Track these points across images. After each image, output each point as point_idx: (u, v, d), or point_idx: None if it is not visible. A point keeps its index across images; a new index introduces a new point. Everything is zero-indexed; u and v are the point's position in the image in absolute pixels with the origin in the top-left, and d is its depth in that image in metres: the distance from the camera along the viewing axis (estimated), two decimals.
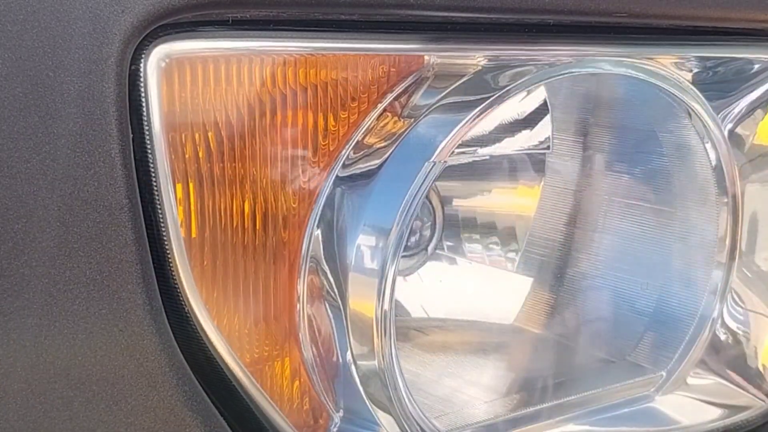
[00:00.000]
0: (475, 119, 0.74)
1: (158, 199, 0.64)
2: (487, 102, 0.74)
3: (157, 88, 0.63)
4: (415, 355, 0.95)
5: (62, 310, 0.61)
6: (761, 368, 0.98)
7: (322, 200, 0.74)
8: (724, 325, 0.96)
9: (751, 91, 0.93)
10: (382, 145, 0.74)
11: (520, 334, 1.01)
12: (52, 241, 0.60)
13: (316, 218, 0.74)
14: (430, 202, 1.00)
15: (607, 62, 0.83)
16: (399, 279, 0.98)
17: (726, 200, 0.91)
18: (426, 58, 0.75)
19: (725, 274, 0.92)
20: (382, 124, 0.75)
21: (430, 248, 1.01)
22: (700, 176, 0.91)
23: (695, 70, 0.90)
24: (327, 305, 0.75)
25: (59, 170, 0.60)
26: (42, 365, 0.62)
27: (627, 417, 0.92)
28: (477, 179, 1.02)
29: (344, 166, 0.74)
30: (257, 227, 0.71)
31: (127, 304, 0.63)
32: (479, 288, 1.03)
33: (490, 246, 1.03)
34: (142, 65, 0.62)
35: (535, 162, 1.01)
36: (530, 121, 0.85)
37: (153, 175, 0.64)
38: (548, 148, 0.87)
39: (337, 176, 0.74)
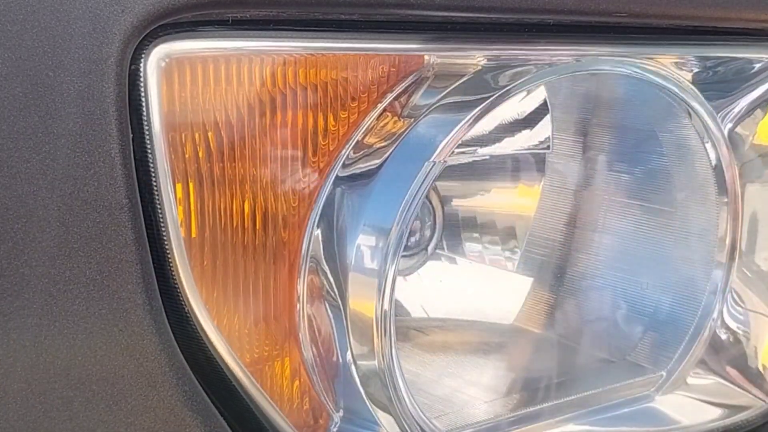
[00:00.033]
0: (475, 119, 0.74)
1: (158, 199, 0.64)
2: (487, 102, 0.74)
3: (157, 88, 0.63)
4: (415, 355, 0.95)
5: (62, 310, 0.61)
6: (761, 368, 0.98)
7: (322, 200, 0.74)
8: (724, 325, 0.96)
9: (751, 91, 0.93)
10: (382, 145, 0.74)
11: (520, 334, 1.01)
12: (52, 241, 0.60)
13: (316, 218, 0.74)
14: (430, 202, 1.00)
15: (607, 62, 0.83)
16: (399, 279, 0.98)
17: (726, 200, 0.91)
18: (426, 58, 0.75)
19: (725, 274, 0.92)
20: (382, 124, 0.75)
21: (430, 248, 1.01)
22: (700, 176, 0.91)
23: (695, 70, 0.90)
24: (327, 305, 0.75)
25: (59, 170, 0.60)
26: (42, 365, 0.62)
27: (627, 417, 0.92)
28: (477, 179, 1.02)
29: (344, 166, 0.74)
30: (257, 227, 0.71)
31: (127, 304, 0.63)
32: (479, 288, 1.03)
33: (490, 246, 1.03)
34: (142, 65, 0.62)
35: (535, 162, 1.01)
36: (530, 121, 0.85)
37: (153, 174, 0.64)
38: (548, 147, 0.87)
39: (337, 176, 0.74)
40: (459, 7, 0.72)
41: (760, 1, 0.87)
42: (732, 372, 0.97)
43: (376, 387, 0.75)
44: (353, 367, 0.75)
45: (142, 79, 0.62)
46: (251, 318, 0.72)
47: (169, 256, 0.66)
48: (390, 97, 0.75)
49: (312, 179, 0.73)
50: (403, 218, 0.72)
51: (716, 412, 0.95)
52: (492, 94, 0.74)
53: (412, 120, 0.74)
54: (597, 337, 0.99)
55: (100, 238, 0.61)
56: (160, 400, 0.66)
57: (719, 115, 0.91)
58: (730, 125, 0.93)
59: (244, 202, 0.69)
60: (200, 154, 0.66)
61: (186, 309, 0.67)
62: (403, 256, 0.98)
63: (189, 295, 0.67)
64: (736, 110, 0.93)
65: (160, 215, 0.65)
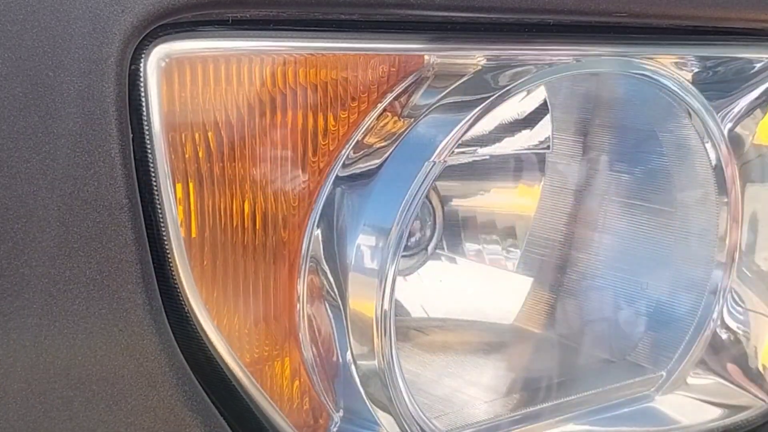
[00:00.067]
0: (475, 119, 0.74)
1: (158, 199, 0.64)
2: (487, 102, 0.74)
3: (157, 88, 0.63)
4: (415, 355, 0.95)
5: (62, 310, 0.61)
6: (761, 368, 0.98)
7: (322, 200, 0.74)
8: (724, 325, 0.96)
9: (751, 91, 0.93)
10: (382, 144, 0.74)
11: (520, 334, 1.01)
12: (52, 241, 0.60)
13: (316, 218, 0.74)
14: (430, 202, 1.00)
15: (607, 62, 0.83)
16: (399, 279, 0.98)
17: (726, 200, 0.91)
18: (426, 58, 0.75)
19: (725, 274, 0.92)
20: (382, 124, 0.75)
21: (430, 248, 1.01)
22: (700, 176, 0.91)
23: (695, 70, 0.90)
24: (327, 305, 0.75)
25: (59, 170, 0.60)
26: (42, 365, 0.62)
27: (627, 417, 0.92)
28: (477, 179, 1.02)
29: (344, 166, 0.74)
30: (257, 227, 0.71)
31: (127, 304, 0.63)
32: (479, 288, 1.03)
33: (490, 246, 1.03)
34: (142, 65, 0.62)
35: (535, 162, 1.01)
36: (530, 121, 0.85)
37: (153, 174, 0.64)
38: (548, 147, 0.87)
39: (337, 176, 0.74)
40: (459, 7, 0.72)
41: (760, 1, 0.87)
42: (732, 372, 0.97)
43: (376, 387, 0.75)
44: (353, 367, 0.75)
45: (142, 79, 0.62)
46: (251, 318, 0.72)
47: (169, 256, 0.66)
48: (390, 97, 0.75)
49: (312, 179, 0.73)
50: (403, 218, 0.72)
51: (716, 412, 0.95)
52: (492, 94, 0.74)
53: (412, 120, 0.74)
54: (597, 337, 0.99)
55: (100, 238, 0.61)
56: (160, 400, 0.66)
57: (719, 115, 0.91)
58: (730, 125, 0.93)
59: (244, 202, 0.69)
60: (200, 154, 0.66)
61: (186, 309, 0.67)
62: (403, 256, 0.98)
63: (189, 295, 0.67)
64: (736, 110, 0.93)
65: (160, 215, 0.65)
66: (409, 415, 0.76)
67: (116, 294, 0.62)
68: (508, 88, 0.75)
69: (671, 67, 0.86)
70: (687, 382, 0.95)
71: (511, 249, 1.03)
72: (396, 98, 0.75)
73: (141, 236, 0.63)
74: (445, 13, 0.73)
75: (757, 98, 0.94)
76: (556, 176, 1.00)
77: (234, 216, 0.69)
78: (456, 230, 1.02)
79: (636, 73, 0.83)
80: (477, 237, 1.03)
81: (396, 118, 0.75)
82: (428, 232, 1.01)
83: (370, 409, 0.76)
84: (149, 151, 0.63)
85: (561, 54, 0.79)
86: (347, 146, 0.74)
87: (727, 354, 0.97)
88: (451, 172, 0.96)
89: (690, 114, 0.88)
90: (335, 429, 0.77)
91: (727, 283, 0.93)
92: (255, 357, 0.73)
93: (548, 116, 0.86)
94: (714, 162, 0.90)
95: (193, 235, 0.67)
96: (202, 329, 0.68)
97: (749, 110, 0.94)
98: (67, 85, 0.59)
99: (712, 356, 0.96)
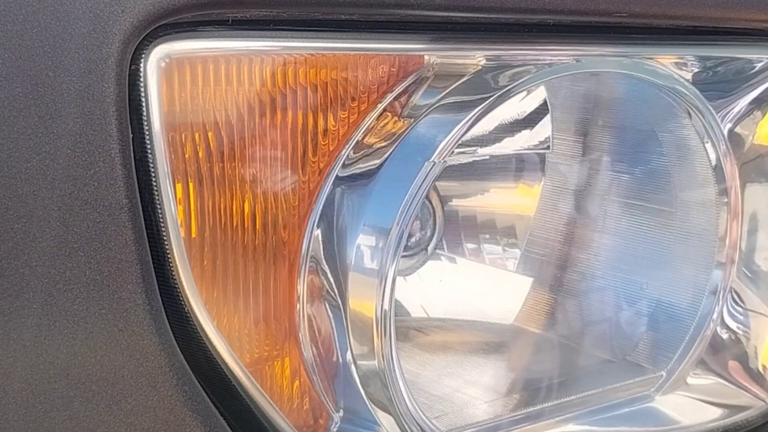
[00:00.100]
0: (475, 119, 0.74)
1: (158, 199, 0.64)
2: (487, 102, 0.74)
3: (157, 88, 0.63)
4: (415, 355, 0.95)
5: (62, 310, 0.61)
6: (761, 368, 0.98)
7: (322, 200, 0.74)
8: (724, 325, 0.96)
9: (751, 91, 0.94)
10: (382, 145, 0.74)
11: (520, 334, 1.01)
12: (52, 241, 0.60)
13: (316, 218, 0.74)
14: (430, 202, 1.00)
15: (607, 62, 0.83)
16: (399, 279, 0.98)
17: (726, 200, 0.91)
18: (426, 58, 0.75)
19: (725, 274, 0.92)
20: (382, 124, 0.75)
21: (430, 248, 1.01)
22: (700, 176, 0.91)
23: (695, 70, 0.90)
24: (327, 305, 0.75)
25: (59, 170, 0.60)
26: (42, 365, 0.62)
27: (627, 417, 0.92)
28: (477, 179, 1.02)
29: (344, 166, 0.74)
30: (257, 227, 0.71)
31: (127, 304, 0.63)
32: (479, 288, 1.03)
33: (490, 246, 1.03)
34: (142, 65, 0.62)
35: (535, 162, 1.01)
36: (530, 121, 0.85)
37: (153, 175, 0.64)
38: (548, 147, 0.88)
39: (337, 176, 0.74)
40: (459, 7, 0.72)
41: (760, 1, 0.87)
42: (732, 372, 0.97)
43: (376, 387, 0.75)
44: (353, 367, 0.75)
45: (142, 80, 0.62)
46: (251, 318, 0.72)
47: (169, 256, 0.66)
48: (390, 97, 0.75)
49: (312, 179, 0.73)
50: (403, 218, 0.72)
51: (716, 412, 0.95)
52: (492, 94, 0.74)
53: (412, 120, 0.74)
54: (597, 337, 0.99)
55: (100, 238, 0.61)
56: (160, 400, 0.66)
57: (719, 115, 0.91)
58: (730, 125, 0.93)
59: (244, 202, 0.69)
60: (200, 154, 0.66)
61: (186, 309, 0.67)
62: (403, 256, 0.98)
63: (189, 295, 0.67)
64: (736, 110, 0.93)
65: (160, 215, 0.65)
66: (409, 415, 0.76)
67: (116, 294, 0.62)
68: (508, 88, 0.75)
69: (671, 67, 0.86)
70: (687, 382, 0.95)
71: (511, 249, 1.03)
72: (396, 98, 0.75)
73: (141, 236, 0.63)
74: (445, 13, 0.73)
75: (757, 98, 0.94)
76: (556, 176, 1.00)
77: (234, 216, 0.69)
78: (456, 230, 1.02)
79: (636, 73, 0.83)
80: (477, 237, 1.03)
81: (396, 118, 0.75)
82: (428, 232, 1.01)
83: (370, 409, 0.76)
84: (149, 151, 0.63)
85: (561, 54, 0.79)
86: (347, 146, 0.74)
87: (727, 354, 0.97)
88: (451, 172, 0.96)
89: (690, 114, 0.88)
90: (335, 429, 0.77)
91: (727, 283, 0.93)
92: (255, 357, 0.73)
93: (548, 116, 0.86)
94: (714, 162, 0.90)
95: (193, 235, 0.67)
96: (202, 329, 0.68)
97: (749, 110, 0.94)
98: (67, 85, 0.59)
99: (712, 356, 0.96)
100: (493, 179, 1.02)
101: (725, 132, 0.91)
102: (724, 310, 0.95)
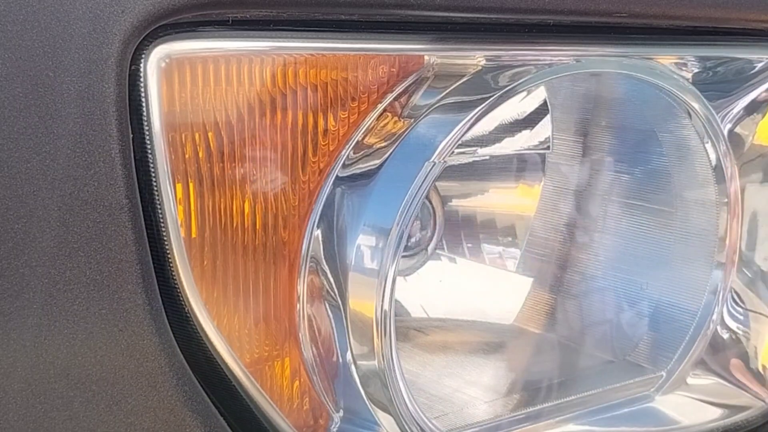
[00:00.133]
0: (475, 119, 0.74)
1: (158, 199, 0.64)
2: (487, 102, 0.74)
3: (157, 88, 0.63)
4: (415, 355, 0.95)
5: (62, 310, 0.61)
6: (761, 368, 0.98)
7: (322, 200, 0.74)
8: (724, 325, 0.96)
9: (751, 91, 0.94)
10: (382, 145, 0.74)
11: (520, 334, 1.01)
12: (52, 241, 0.60)
13: (316, 218, 0.74)
14: (430, 202, 1.00)
15: (607, 62, 0.83)
16: (399, 279, 0.98)
17: (726, 200, 0.91)
18: (426, 58, 0.75)
19: (725, 274, 0.92)
20: (382, 124, 0.75)
21: (430, 248, 1.01)
22: (700, 176, 0.91)
23: (695, 70, 0.90)
24: (327, 305, 0.75)
25: (59, 170, 0.60)
26: (42, 365, 0.62)
27: (627, 417, 0.92)
28: (477, 179, 1.02)
29: (344, 166, 0.74)
30: (257, 227, 0.71)
31: (127, 304, 0.63)
32: (479, 288, 1.03)
33: (490, 246, 1.03)
34: (142, 65, 0.62)
35: (535, 162, 1.01)
36: (530, 121, 0.85)
37: (153, 175, 0.64)
38: (548, 148, 0.87)
39: (337, 176, 0.74)
40: (459, 7, 0.72)
41: (760, 1, 0.87)
42: (732, 372, 0.97)
43: (376, 387, 0.75)
44: (353, 367, 0.75)
45: (142, 80, 0.62)
46: (251, 318, 0.72)
47: (169, 256, 0.66)
48: (390, 97, 0.75)
49: (312, 179, 0.73)
50: (403, 218, 0.72)
51: (716, 412, 0.95)
52: (492, 94, 0.74)
53: (412, 120, 0.74)
54: (597, 337, 0.99)
55: (100, 238, 0.61)
56: (160, 400, 0.66)
57: (719, 115, 0.91)
58: (730, 125, 0.93)
59: (244, 202, 0.69)
60: (200, 155, 0.66)
61: (186, 309, 0.67)
62: (403, 256, 0.98)
63: (189, 295, 0.67)
64: (736, 110, 0.93)
65: (160, 215, 0.65)
66: (409, 416, 0.76)
67: (116, 294, 0.62)
68: (508, 88, 0.75)
69: (671, 67, 0.86)
70: (687, 382, 0.95)
71: (511, 249, 1.03)
72: (396, 98, 0.75)
73: (141, 236, 0.63)
74: (445, 14, 0.73)
75: (757, 98, 0.94)
76: (556, 176, 1.00)
77: (234, 216, 0.69)
78: (456, 230, 1.02)
79: (636, 74, 0.83)
80: (477, 237, 1.03)
81: (396, 118, 0.75)
82: (428, 232, 1.01)
83: (370, 409, 0.76)
84: (149, 151, 0.63)
85: (561, 54, 0.79)
86: (347, 146, 0.74)
87: (727, 354, 0.97)
88: (451, 172, 0.96)
89: (690, 114, 0.88)
90: (335, 429, 0.77)
91: (727, 283, 0.93)
92: (255, 357, 0.73)
93: (548, 116, 0.86)
94: (714, 162, 0.90)
95: (193, 236, 0.67)
96: (202, 329, 0.68)
97: (749, 110, 0.94)
98: (67, 85, 0.59)
99: (712, 356, 0.96)
100: (494, 179, 1.02)
101: (725, 132, 0.91)
102: (724, 310, 0.95)
